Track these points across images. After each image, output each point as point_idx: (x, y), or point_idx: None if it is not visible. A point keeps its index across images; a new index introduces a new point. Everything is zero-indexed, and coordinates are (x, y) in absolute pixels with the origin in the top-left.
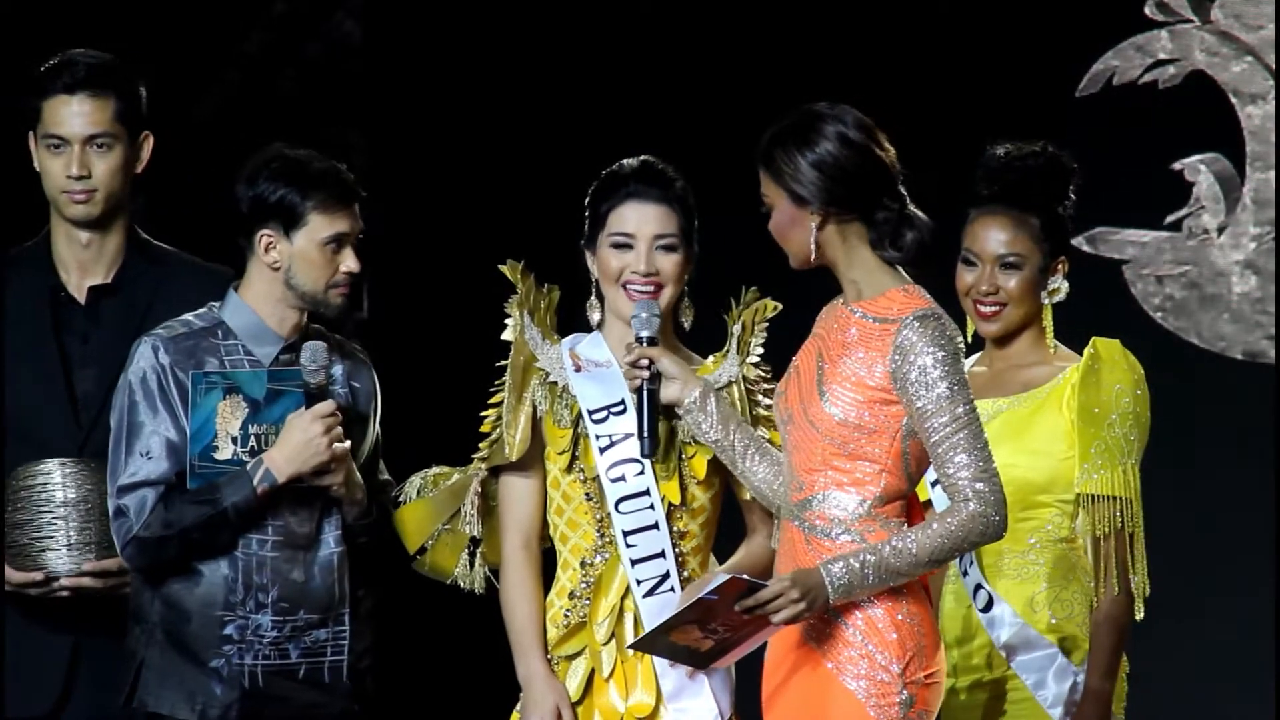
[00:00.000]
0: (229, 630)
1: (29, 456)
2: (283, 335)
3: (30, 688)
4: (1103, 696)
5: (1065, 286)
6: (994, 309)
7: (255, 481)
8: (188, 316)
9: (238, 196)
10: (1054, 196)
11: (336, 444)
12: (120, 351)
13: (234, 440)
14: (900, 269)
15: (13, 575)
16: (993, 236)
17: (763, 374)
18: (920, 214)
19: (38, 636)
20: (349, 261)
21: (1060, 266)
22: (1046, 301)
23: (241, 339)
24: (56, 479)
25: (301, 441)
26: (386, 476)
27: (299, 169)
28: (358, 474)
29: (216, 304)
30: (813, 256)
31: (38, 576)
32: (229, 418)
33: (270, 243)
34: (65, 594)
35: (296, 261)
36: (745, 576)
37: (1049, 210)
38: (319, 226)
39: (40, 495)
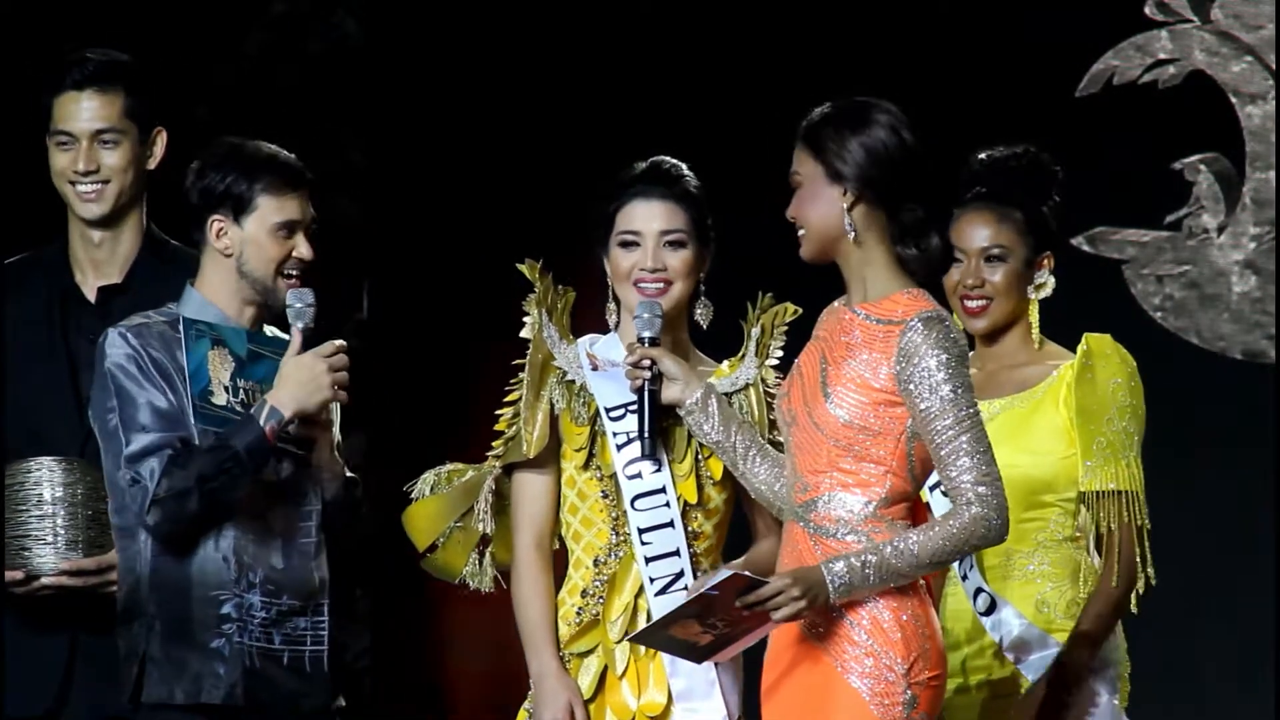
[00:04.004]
0: (227, 609)
1: (40, 455)
2: (243, 326)
3: (28, 687)
4: (1078, 664)
5: (1052, 282)
6: (980, 304)
7: (262, 422)
8: (148, 313)
9: (187, 189)
10: (1036, 194)
11: (340, 379)
12: None
13: (226, 390)
14: (908, 274)
15: None
16: (976, 232)
17: (780, 378)
18: (943, 229)
19: (35, 636)
20: (301, 248)
21: (1046, 261)
22: (1033, 296)
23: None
24: (44, 477)
25: (307, 379)
26: (351, 475)
27: (246, 155)
28: (336, 443)
29: (174, 304)
30: (851, 236)
31: (18, 575)
32: (219, 367)
33: (221, 228)
34: (48, 592)
35: (248, 247)
36: (747, 573)
37: (1032, 205)
38: (269, 211)
39: (28, 493)
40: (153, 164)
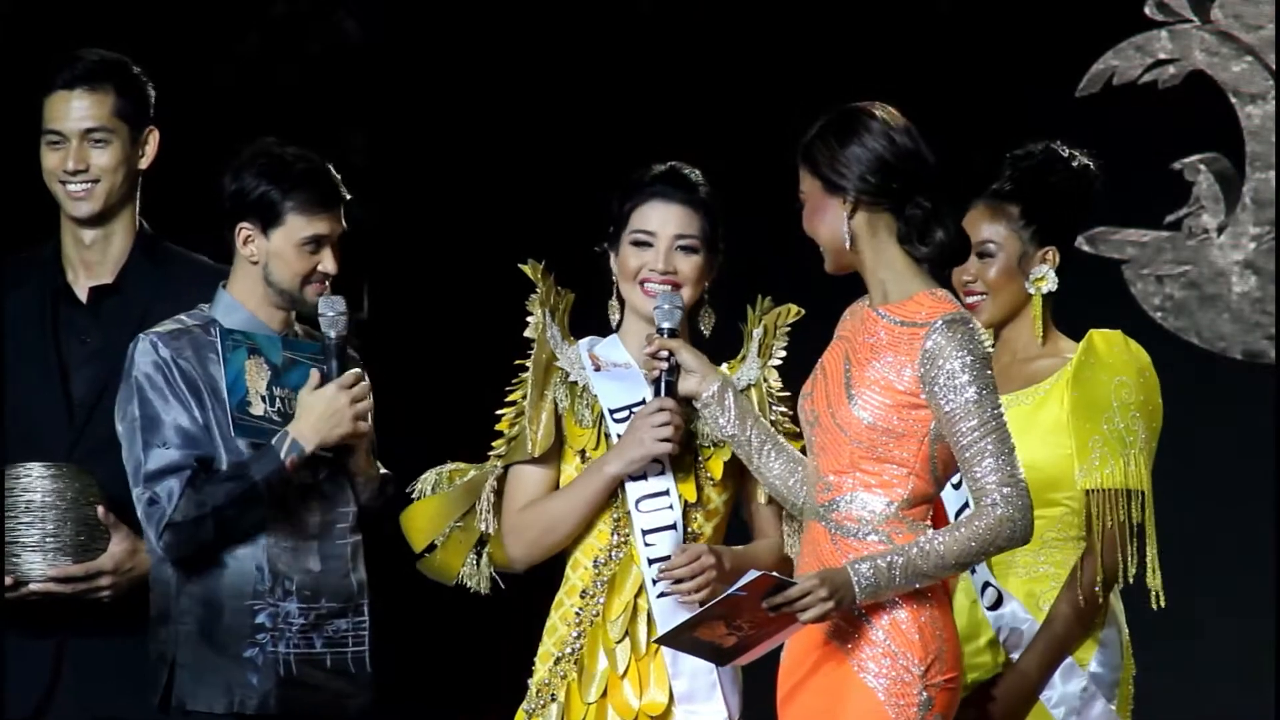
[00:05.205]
0: (261, 619)
1: (30, 458)
2: (274, 330)
3: (14, 689)
4: (1029, 682)
5: (1053, 277)
6: (975, 299)
7: (283, 455)
8: (180, 316)
9: (222, 188)
10: (1042, 190)
11: (361, 411)
12: (117, 352)
13: (263, 399)
14: (929, 273)
15: None
16: (970, 229)
17: (779, 380)
18: (955, 219)
19: (21, 639)
20: (326, 262)
21: (1049, 257)
22: (1032, 291)
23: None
24: (33, 482)
25: (328, 411)
26: (385, 471)
27: (282, 168)
28: (371, 445)
29: (206, 305)
30: (846, 244)
31: (9, 581)
32: (255, 376)
33: (249, 236)
34: (35, 598)
35: (273, 259)
36: (775, 574)
37: (1032, 200)
38: (297, 227)
39: (15, 499)
40: (145, 164)
